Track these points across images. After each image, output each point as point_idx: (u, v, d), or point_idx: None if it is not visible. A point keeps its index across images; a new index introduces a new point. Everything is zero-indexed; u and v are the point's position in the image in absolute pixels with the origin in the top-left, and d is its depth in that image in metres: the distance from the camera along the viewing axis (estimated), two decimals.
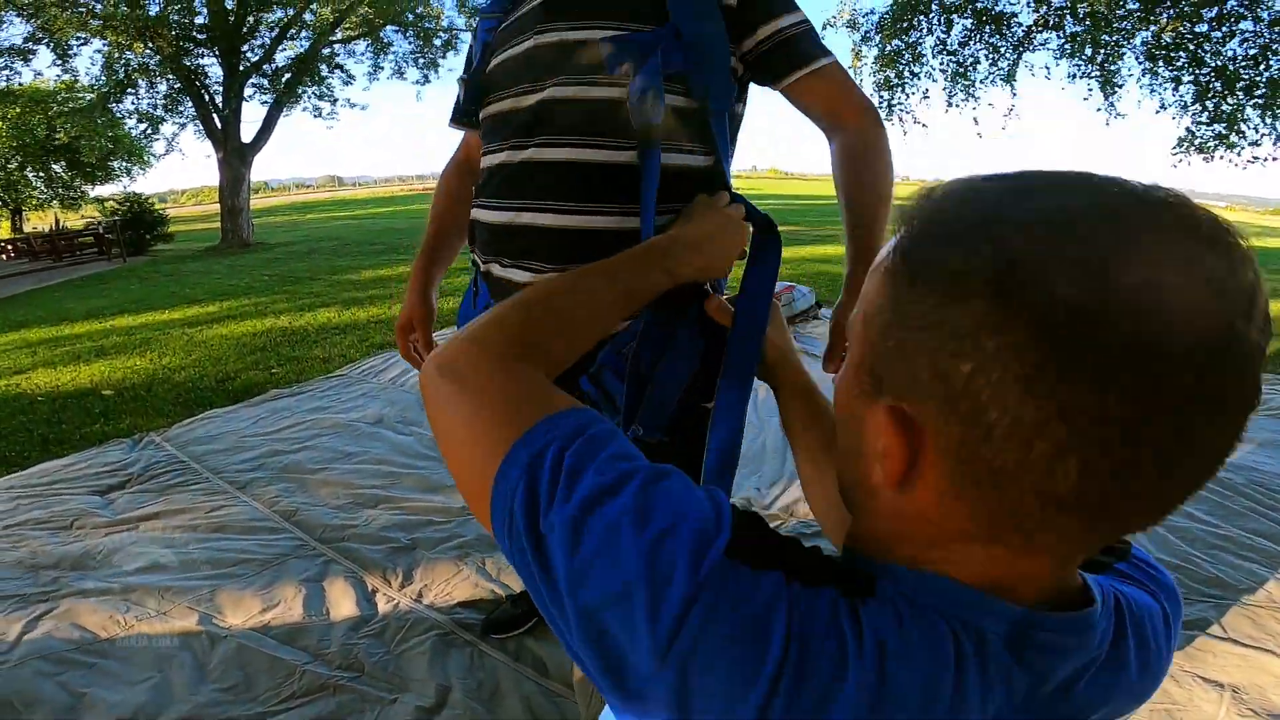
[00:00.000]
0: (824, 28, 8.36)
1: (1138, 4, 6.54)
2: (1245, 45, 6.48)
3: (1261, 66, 6.40)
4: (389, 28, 12.93)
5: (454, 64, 14.43)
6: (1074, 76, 7.50)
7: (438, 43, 13.58)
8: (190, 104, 12.14)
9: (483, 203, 0.94)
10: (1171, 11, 6.43)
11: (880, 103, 8.45)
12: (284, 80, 12.45)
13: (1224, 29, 6.42)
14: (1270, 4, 6.27)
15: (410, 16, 12.73)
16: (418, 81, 13.94)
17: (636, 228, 0.82)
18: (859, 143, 0.92)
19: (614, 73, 0.81)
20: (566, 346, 0.52)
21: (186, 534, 2.02)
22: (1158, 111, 7.13)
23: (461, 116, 1.10)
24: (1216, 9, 6.27)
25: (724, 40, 0.85)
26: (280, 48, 12.38)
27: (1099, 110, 7.57)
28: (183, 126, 13.05)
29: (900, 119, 8.36)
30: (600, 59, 0.82)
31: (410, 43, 13.51)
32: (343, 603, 1.69)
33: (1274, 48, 6.38)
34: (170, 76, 11.76)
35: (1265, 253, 12.22)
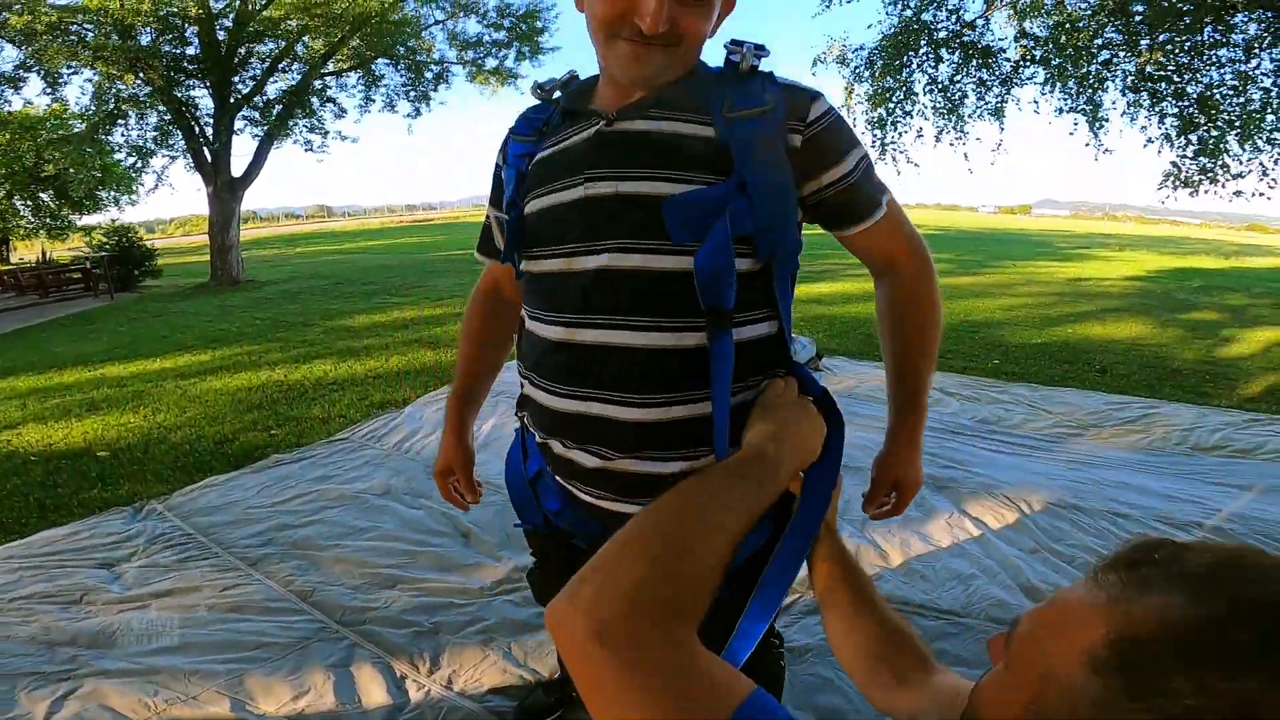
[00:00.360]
0: (814, 64, 8.39)
1: (1119, 34, 6.58)
2: (1222, 72, 6.48)
3: (1241, 97, 6.42)
4: (380, 60, 12.99)
5: (444, 96, 14.52)
6: (1061, 111, 7.53)
7: (429, 76, 13.64)
8: (180, 137, 12.06)
9: (541, 384, 0.87)
10: (1148, 42, 6.47)
11: (873, 142, 8.47)
12: (275, 113, 12.42)
13: (1204, 57, 6.42)
14: (1244, 29, 6.28)
15: (401, 50, 12.79)
16: (409, 115, 13.92)
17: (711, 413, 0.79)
18: (909, 291, 0.91)
19: (678, 241, 0.76)
20: (710, 593, 0.52)
21: (203, 613, 2.00)
22: (1145, 145, 7.16)
23: (493, 252, 1.04)
24: (1192, 37, 6.29)
25: (792, 190, 0.81)
26: (271, 79, 12.38)
27: (1087, 145, 7.58)
28: (173, 159, 12.92)
29: (894, 159, 8.38)
30: (662, 220, 0.76)
31: (402, 75, 13.57)
32: (373, 690, 1.68)
33: (1252, 75, 6.41)
34: (161, 108, 11.71)
35: (1248, 274, 12.48)
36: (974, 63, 7.66)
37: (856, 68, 8.21)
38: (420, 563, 2.22)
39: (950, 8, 7.44)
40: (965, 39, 7.56)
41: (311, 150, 13.51)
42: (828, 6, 7.47)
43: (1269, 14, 5.73)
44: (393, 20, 11.73)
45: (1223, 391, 4.26)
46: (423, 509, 2.56)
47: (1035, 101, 7.68)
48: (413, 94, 13.72)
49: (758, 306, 0.83)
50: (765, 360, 0.83)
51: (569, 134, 0.86)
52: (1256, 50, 6.25)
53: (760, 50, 0.84)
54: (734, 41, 0.86)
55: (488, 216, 1.04)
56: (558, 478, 0.90)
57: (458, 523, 2.43)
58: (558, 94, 0.93)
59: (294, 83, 12.53)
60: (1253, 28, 6.09)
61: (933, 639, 1.89)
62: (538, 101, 0.95)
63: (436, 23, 13.30)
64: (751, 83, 0.82)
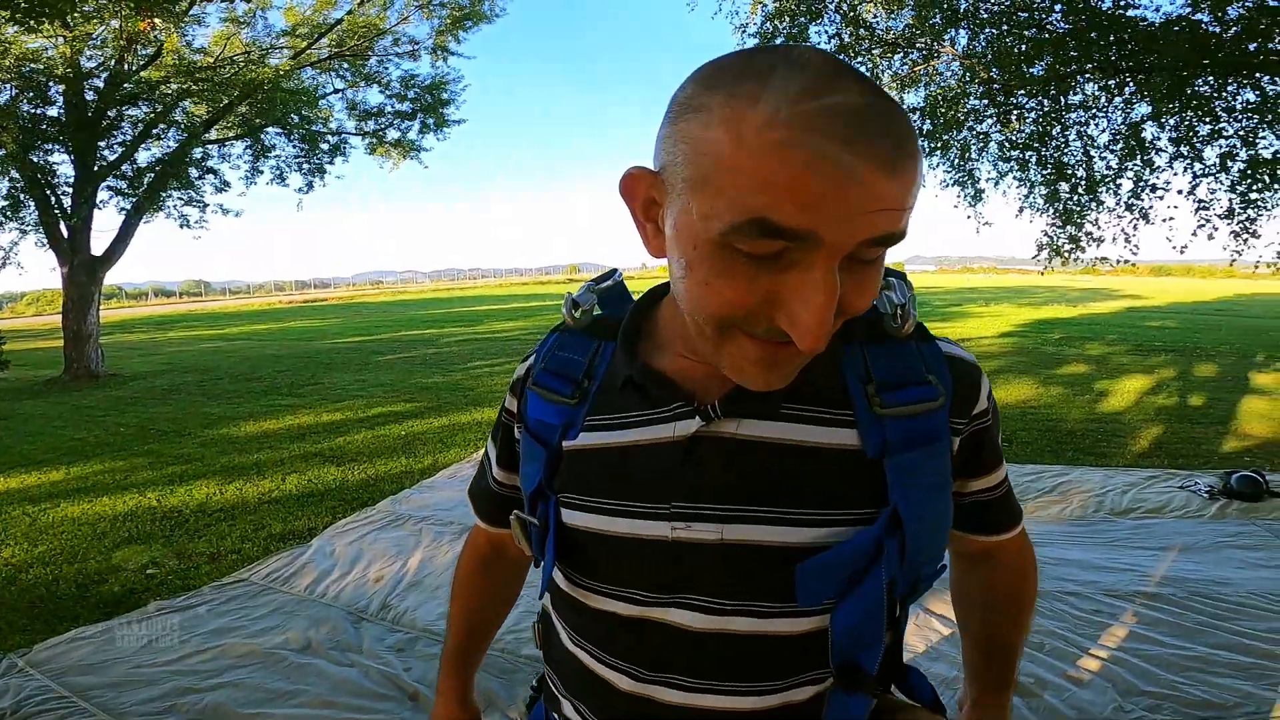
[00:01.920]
0: None
1: (982, 101, 6.90)
2: (1066, 134, 6.81)
3: (1092, 161, 6.82)
4: (271, 129, 12.21)
5: (341, 170, 13.88)
6: (947, 184, 7.89)
7: (325, 147, 12.97)
8: (34, 208, 10.69)
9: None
10: (1005, 108, 6.84)
11: None
12: (145, 183, 11.21)
13: (1060, 123, 6.70)
14: (1080, 88, 6.63)
15: (295, 118, 12.04)
16: (300, 189, 13.03)
17: None
18: (1016, 572, 0.75)
19: (807, 605, 0.55)
20: None
21: None
22: (1017, 215, 7.48)
23: (499, 523, 0.77)
24: (1047, 102, 6.65)
25: (950, 516, 0.60)
26: (144, 145, 11.30)
27: (969, 219, 7.89)
28: (24, 234, 11.33)
29: None
30: (783, 577, 0.54)
31: (294, 146, 12.76)
32: None
33: (1094, 140, 6.85)
34: (13, 175, 10.32)
35: (1097, 320, 13.38)
36: None
37: None
38: None
39: None
40: None
41: (188, 226, 12.38)
42: None
43: (1110, 80, 6.29)
44: (286, 88, 11.18)
45: (1116, 450, 4.61)
46: (355, 666, 2.21)
47: (924, 174, 8.17)
48: (306, 166, 12.96)
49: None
50: (884, 677, 0.68)
51: (636, 419, 0.59)
52: (1096, 112, 6.80)
53: (905, 285, 0.60)
54: None
55: (489, 473, 0.76)
56: None
57: (400, 681, 2.11)
58: (597, 311, 0.67)
59: (170, 150, 11.45)
60: (1090, 87, 6.57)
61: None
62: (569, 320, 0.66)
63: (335, 91, 12.88)
64: (905, 348, 0.58)
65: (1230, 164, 6.39)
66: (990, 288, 31.46)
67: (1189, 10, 5.53)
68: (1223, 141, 6.35)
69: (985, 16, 6.21)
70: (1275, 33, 5.30)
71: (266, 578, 2.92)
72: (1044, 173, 7.00)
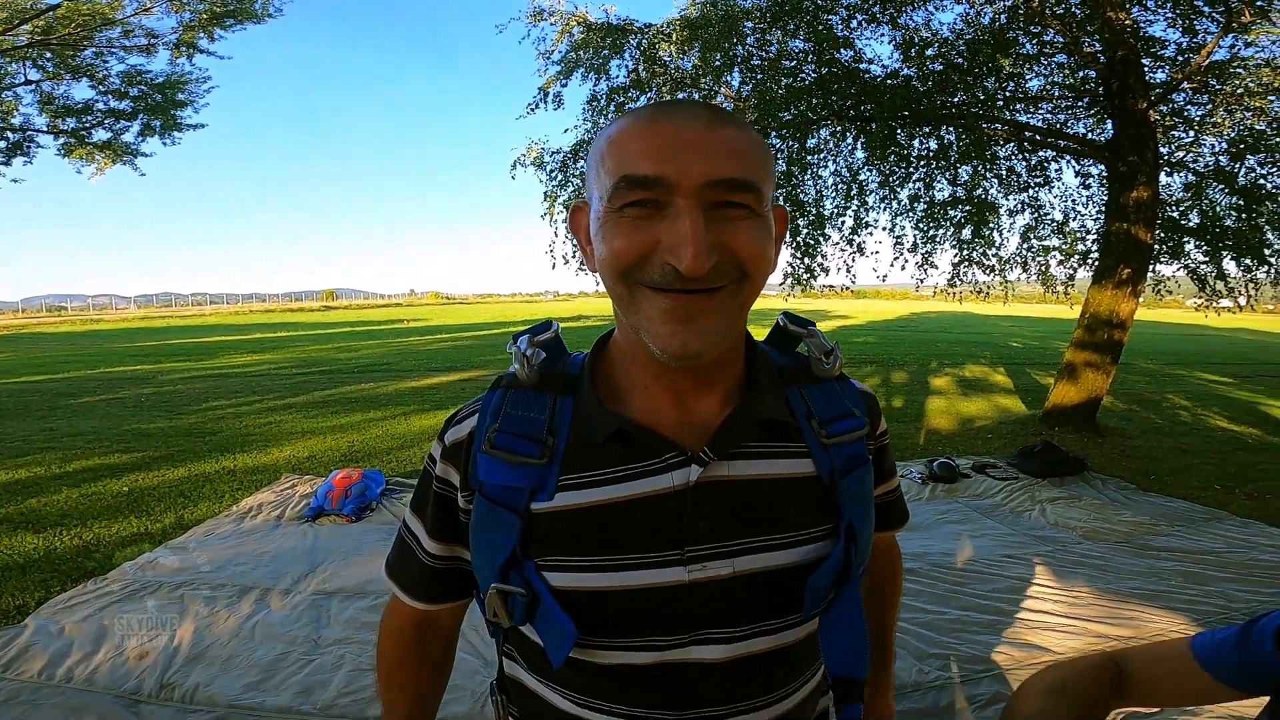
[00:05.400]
0: (513, 166, 8.10)
1: None
2: (804, 176, 7.45)
3: (815, 201, 7.67)
4: None
5: (20, 172, 10.87)
6: None
7: (1, 145, 10.30)
8: None
9: None
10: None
11: (573, 252, 8.16)
12: None
13: (799, 167, 7.35)
14: (817, 133, 7.31)
15: None
16: None
17: None
18: (897, 566, 0.93)
19: (810, 616, 0.64)
20: None
21: None
22: None
23: (437, 596, 0.73)
24: (788, 142, 7.16)
25: (874, 520, 0.72)
26: None
27: None
28: None
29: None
30: (788, 596, 0.63)
31: None
32: None
33: (825, 180, 7.80)
34: None
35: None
36: None
37: (552, 171, 8.11)
38: None
39: None
40: None
41: None
42: (533, 111, 7.67)
43: (838, 127, 7.40)
44: None
45: None
46: None
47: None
48: None
49: None
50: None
51: (624, 473, 0.62)
52: (825, 156, 7.84)
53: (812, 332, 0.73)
54: (791, 319, 0.74)
55: (416, 548, 0.72)
56: None
57: None
58: (542, 358, 0.68)
59: None
60: (824, 133, 7.60)
61: None
62: (523, 376, 0.67)
63: (28, 82, 10.30)
64: (832, 387, 0.71)
65: (916, 204, 7.95)
66: None
67: (901, 65, 6.72)
68: (911, 185, 7.83)
69: (756, 63, 7.00)
70: (959, 90, 6.66)
71: None
72: (788, 209, 7.82)
